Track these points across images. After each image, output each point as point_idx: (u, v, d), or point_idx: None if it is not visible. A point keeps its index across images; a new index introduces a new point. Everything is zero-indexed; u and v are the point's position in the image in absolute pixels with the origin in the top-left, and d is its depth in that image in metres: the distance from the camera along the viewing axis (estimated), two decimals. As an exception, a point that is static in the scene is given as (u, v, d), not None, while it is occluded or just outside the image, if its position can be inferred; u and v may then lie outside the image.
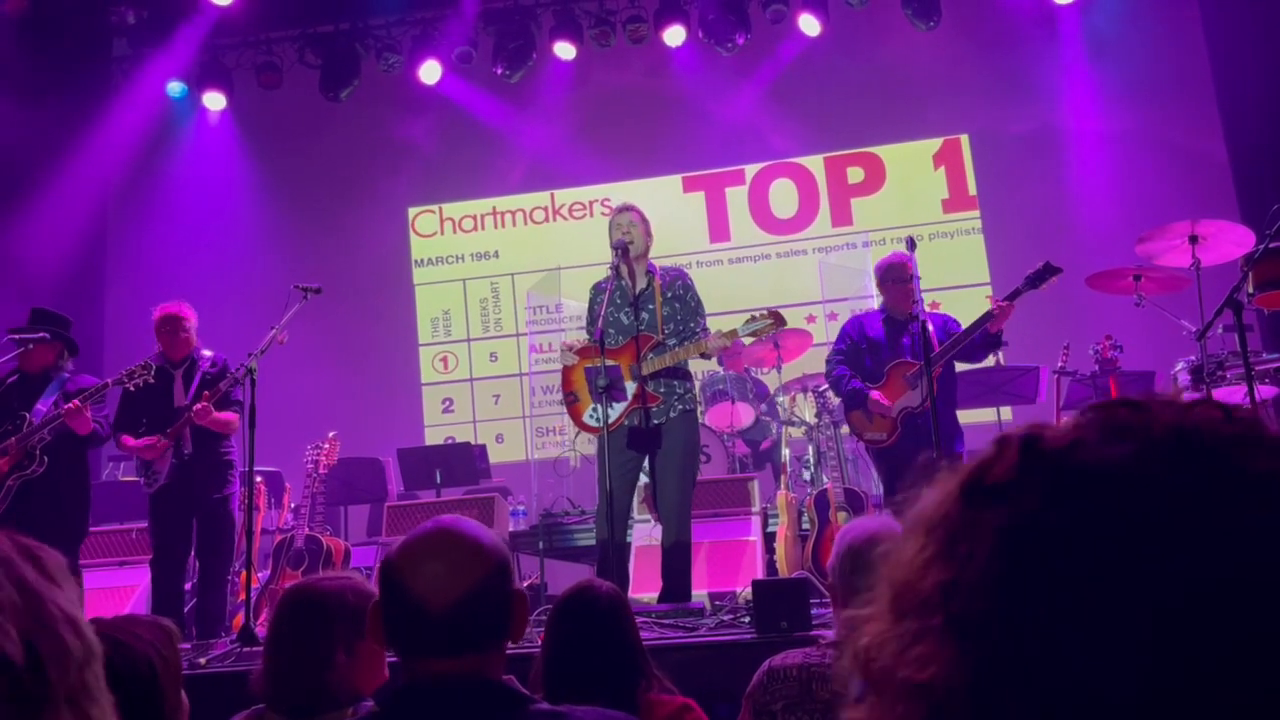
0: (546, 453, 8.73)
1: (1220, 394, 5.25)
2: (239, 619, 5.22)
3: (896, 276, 5.48)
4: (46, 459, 5.26)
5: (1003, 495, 0.58)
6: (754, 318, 4.93)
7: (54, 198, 8.40)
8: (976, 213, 9.12)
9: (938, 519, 0.60)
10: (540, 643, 2.47)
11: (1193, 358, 5.49)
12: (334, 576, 2.22)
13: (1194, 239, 5.29)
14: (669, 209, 9.05)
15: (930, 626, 0.57)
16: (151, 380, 5.34)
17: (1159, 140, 8.50)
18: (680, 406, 4.98)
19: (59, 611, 0.74)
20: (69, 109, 8.68)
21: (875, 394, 5.36)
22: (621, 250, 4.98)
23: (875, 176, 9.38)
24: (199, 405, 5.27)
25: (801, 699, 2.14)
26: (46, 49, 8.41)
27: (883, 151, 9.35)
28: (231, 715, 2.11)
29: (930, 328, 4.93)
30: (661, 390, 4.94)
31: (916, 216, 9.03)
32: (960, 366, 5.89)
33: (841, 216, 9.38)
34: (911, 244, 5.00)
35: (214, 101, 9.38)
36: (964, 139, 9.22)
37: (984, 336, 5.26)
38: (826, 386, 6.78)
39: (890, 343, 5.47)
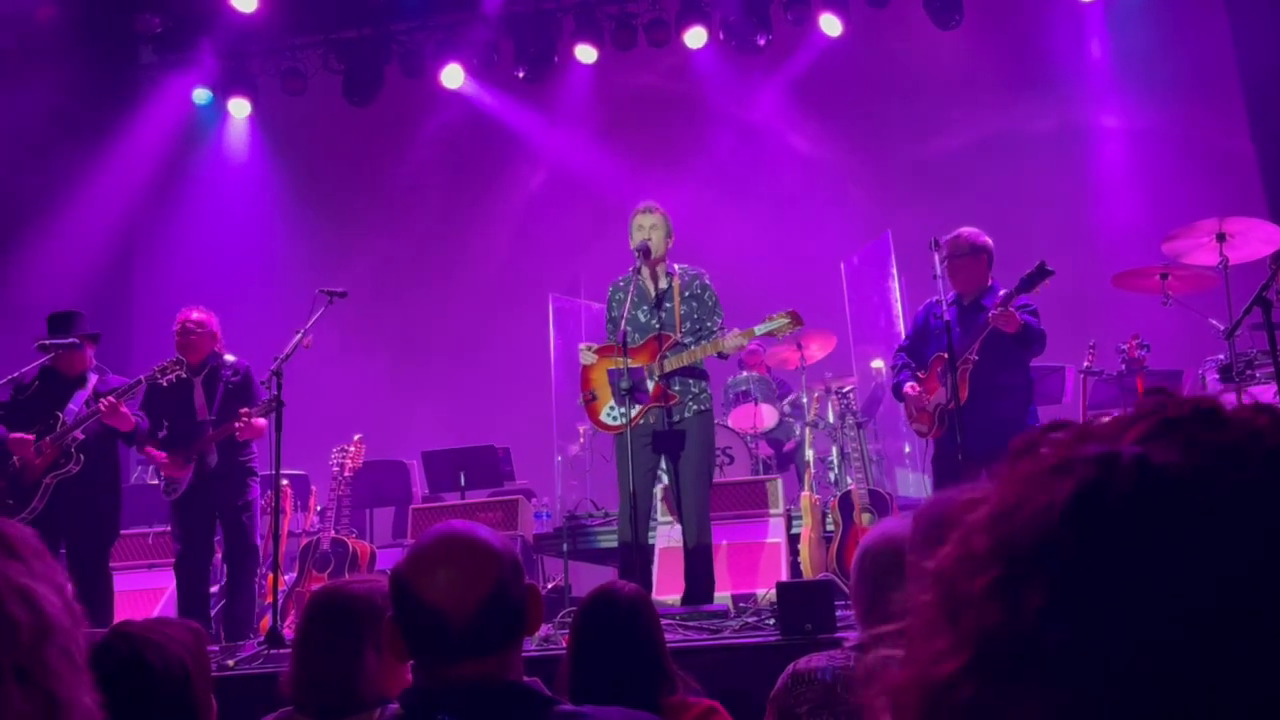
0: (570, 455, 8.74)
1: (1250, 393, 5.19)
2: (266, 621, 5.26)
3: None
4: (82, 457, 5.33)
5: (1128, 529, 0.48)
6: (771, 317, 4.92)
7: (83, 204, 8.49)
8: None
9: (1039, 549, 0.49)
10: (565, 645, 2.47)
11: (1221, 356, 5.43)
12: (362, 579, 2.23)
13: (1221, 237, 5.24)
14: (691, 210, 9.03)
15: (1058, 701, 0.47)
16: (183, 374, 5.39)
17: (1185, 137, 8.42)
18: (695, 407, 4.97)
19: (7, 583, 0.69)
20: (96, 116, 8.77)
21: (909, 388, 5.15)
22: (644, 252, 4.98)
23: (898, 176, 9.32)
24: (239, 424, 5.30)
25: (826, 702, 2.13)
26: (74, 57, 8.49)
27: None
28: (260, 717, 2.12)
29: (948, 320, 4.79)
30: (677, 389, 4.93)
31: (940, 216, 8.97)
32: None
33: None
34: (935, 243, 4.98)
35: (239, 108, 9.46)
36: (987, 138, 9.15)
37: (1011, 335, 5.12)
38: (850, 388, 6.75)
39: (964, 327, 5.00)
